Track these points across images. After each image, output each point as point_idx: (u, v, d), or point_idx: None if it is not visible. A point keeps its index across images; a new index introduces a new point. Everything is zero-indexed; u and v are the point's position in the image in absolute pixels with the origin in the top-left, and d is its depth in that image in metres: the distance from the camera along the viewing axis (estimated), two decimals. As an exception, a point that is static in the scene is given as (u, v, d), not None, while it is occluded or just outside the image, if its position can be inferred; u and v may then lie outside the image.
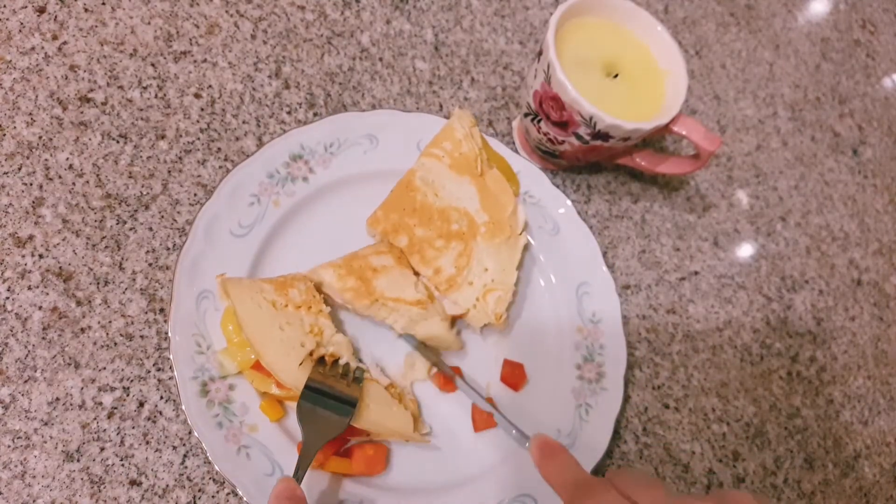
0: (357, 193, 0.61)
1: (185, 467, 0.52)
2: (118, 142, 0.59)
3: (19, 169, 0.56)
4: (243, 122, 0.64)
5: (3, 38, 0.60)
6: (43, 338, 0.52)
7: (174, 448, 0.52)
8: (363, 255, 0.56)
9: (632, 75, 0.61)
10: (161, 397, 0.53)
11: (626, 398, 0.63)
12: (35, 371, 0.51)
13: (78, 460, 0.50)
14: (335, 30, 0.70)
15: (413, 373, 0.57)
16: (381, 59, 0.70)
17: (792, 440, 0.67)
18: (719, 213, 0.75)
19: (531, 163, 0.67)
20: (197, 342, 0.53)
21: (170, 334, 0.52)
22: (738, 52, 0.85)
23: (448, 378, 0.57)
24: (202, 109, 0.63)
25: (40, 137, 0.58)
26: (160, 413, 0.53)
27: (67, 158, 0.58)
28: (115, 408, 0.52)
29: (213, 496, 0.52)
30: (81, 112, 0.60)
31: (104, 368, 0.53)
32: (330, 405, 0.50)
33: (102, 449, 0.51)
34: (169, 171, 0.60)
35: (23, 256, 0.54)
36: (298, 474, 0.46)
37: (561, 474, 0.42)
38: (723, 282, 0.71)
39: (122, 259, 0.56)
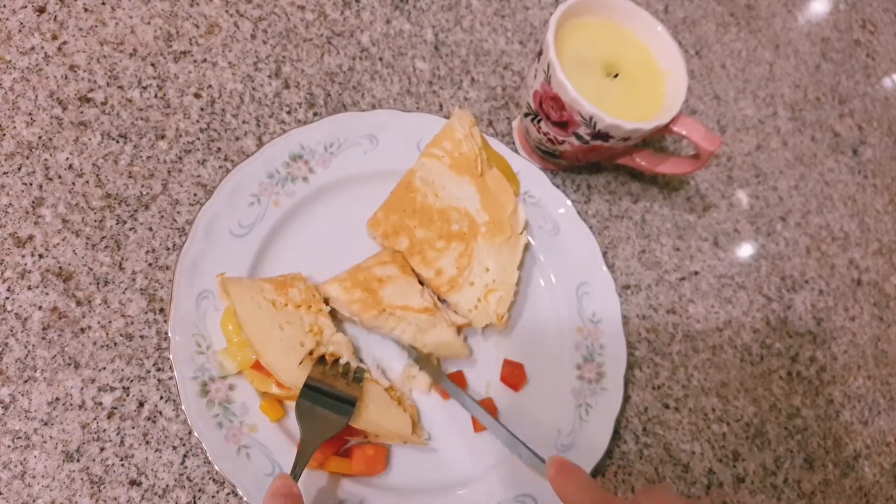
0: (357, 193, 0.61)
1: (185, 467, 0.52)
2: (118, 142, 0.59)
3: (19, 169, 0.56)
4: (243, 122, 0.64)
5: (3, 38, 0.60)
6: (43, 338, 0.52)
7: (174, 448, 0.52)
8: (367, 267, 0.56)
9: (632, 75, 0.61)
10: (161, 397, 0.53)
11: (626, 398, 0.63)
12: (35, 371, 0.51)
13: (78, 460, 0.50)
14: (335, 30, 0.70)
15: (412, 383, 0.57)
16: (381, 59, 0.70)
17: (792, 440, 0.67)
18: (719, 213, 0.75)
19: (531, 163, 0.67)
20: (197, 342, 0.53)
21: (170, 334, 0.52)
22: (738, 52, 0.85)
23: (449, 395, 0.57)
24: (202, 109, 0.63)
25: (40, 137, 0.58)
26: (160, 413, 0.53)
27: (67, 158, 0.58)
28: (115, 408, 0.52)
29: (213, 496, 0.52)
30: (81, 112, 0.59)
31: (104, 368, 0.53)
32: (329, 404, 0.50)
33: (102, 449, 0.51)
34: (169, 171, 0.60)
35: (23, 256, 0.54)
36: (296, 472, 0.46)
37: (579, 493, 0.42)
38: (723, 282, 0.71)
39: (122, 259, 0.56)
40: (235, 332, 0.52)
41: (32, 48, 0.60)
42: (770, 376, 0.69)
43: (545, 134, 0.62)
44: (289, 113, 0.65)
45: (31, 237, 0.55)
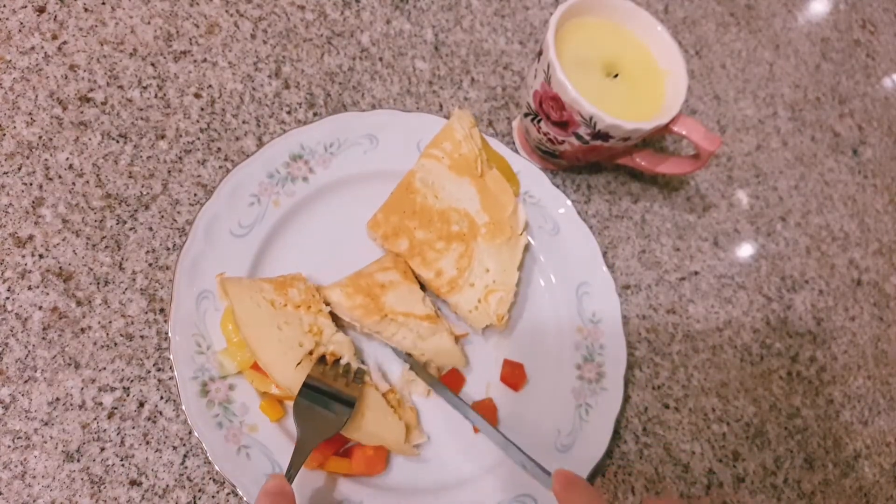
0: (357, 193, 0.61)
1: (185, 467, 0.52)
2: (118, 142, 0.59)
3: (19, 169, 0.56)
4: (243, 122, 0.64)
5: (3, 38, 0.60)
6: (43, 338, 0.52)
7: (174, 448, 0.52)
8: (369, 273, 0.56)
9: (632, 75, 0.61)
10: (161, 397, 0.53)
11: (626, 398, 0.63)
12: (35, 371, 0.51)
13: (78, 460, 0.50)
14: (335, 30, 0.70)
15: (411, 385, 0.57)
16: (381, 59, 0.70)
17: (792, 440, 0.67)
18: (719, 213, 0.75)
19: (531, 163, 0.67)
20: (197, 342, 0.53)
21: (170, 334, 0.52)
22: (738, 52, 0.85)
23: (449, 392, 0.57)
24: (202, 109, 0.63)
25: (40, 137, 0.58)
26: (160, 413, 0.53)
27: (67, 158, 0.58)
28: (116, 408, 0.52)
29: (213, 496, 0.52)
30: (81, 112, 0.59)
31: (104, 368, 0.53)
32: (327, 404, 0.50)
33: (102, 449, 0.51)
34: (169, 171, 0.60)
35: (23, 256, 0.54)
36: (291, 473, 0.46)
37: None
38: (723, 282, 0.71)
39: (122, 259, 0.56)
40: (235, 332, 0.52)
41: (32, 48, 0.60)
42: (770, 376, 0.69)
43: (545, 134, 0.62)
44: (289, 113, 0.65)
45: (31, 237, 0.55)
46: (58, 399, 0.51)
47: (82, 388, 0.52)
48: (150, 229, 0.58)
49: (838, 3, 0.95)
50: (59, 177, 0.57)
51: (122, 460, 0.51)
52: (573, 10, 0.59)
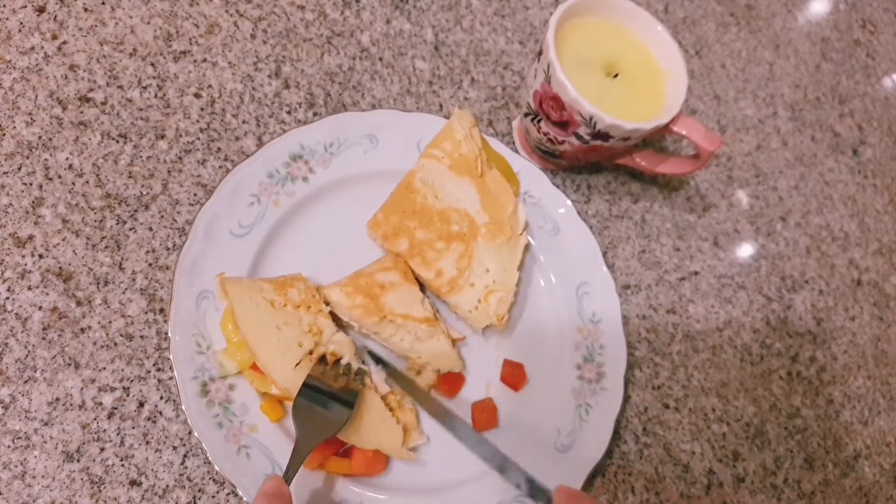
0: (357, 193, 0.61)
1: (185, 467, 0.52)
2: (118, 142, 0.59)
3: (19, 169, 0.56)
4: (243, 122, 0.64)
5: (3, 38, 0.60)
6: (43, 338, 0.52)
7: (174, 448, 0.52)
8: (369, 273, 0.56)
9: (632, 75, 0.61)
10: (161, 397, 0.53)
11: (626, 398, 0.63)
12: (35, 371, 0.51)
13: (78, 460, 0.50)
14: (335, 29, 0.70)
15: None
16: (381, 59, 0.70)
17: (792, 440, 0.67)
18: (719, 213, 0.75)
19: (531, 163, 0.67)
20: (197, 342, 0.53)
21: (170, 334, 0.52)
22: (738, 52, 0.85)
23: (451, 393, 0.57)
24: (202, 109, 0.63)
25: (40, 137, 0.58)
26: (160, 413, 0.53)
27: (67, 158, 0.58)
28: (115, 408, 0.52)
29: (213, 496, 0.52)
30: (81, 112, 0.59)
31: (104, 368, 0.53)
32: (327, 405, 0.50)
33: (102, 449, 0.51)
34: (169, 171, 0.60)
35: (23, 256, 0.54)
36: (289, 473, 0.46)
37: None
38: (723, 282, 0.71)
39: (122, 259, 0.56)
40: (235, 332, 0.52)
41: (32, 48, 0.60)
42: (770, 376, 0.69)
43: (545, 134, 0.62)
44: (289, 113, 0.65)
45: (31, 237, 0.55)
46: (58, 399, 0.51)
47: (82, 388, 0.52)
48: (150, 229, 0.58)
49: (838, 3, 0.95)
50: (59, 177, 0.57)
51: (122, 460, 0.51)
52: (573, 9, 0.59)
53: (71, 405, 0.51)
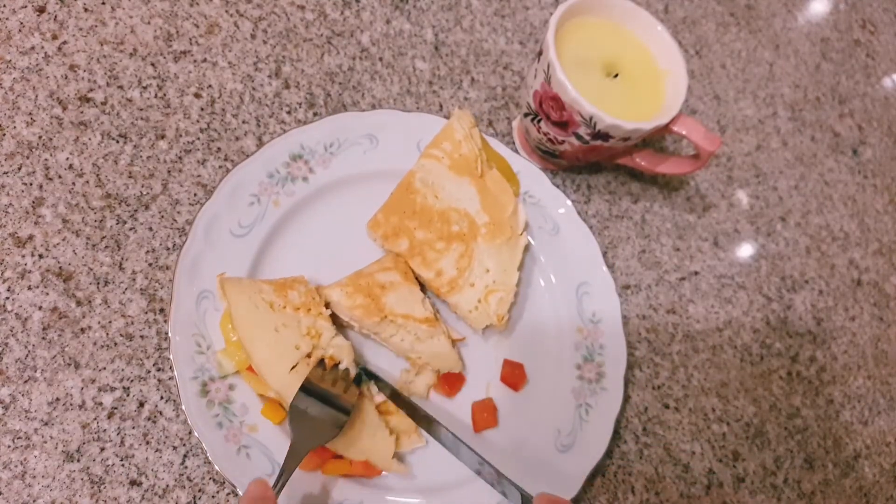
0: (357, 193, 0.61)
1: (185, 467, 0.52)
2: (118, 142, 0.59)
3: (19, 169, 0.56)
4: (243, 122, 0.64)
5: (3, 38, 0.60)
6: (43, 338, 0.52)
7: (174, 448, 0.52)
8: (369, 273, 0.56)
9: (632, 75, 0.61)
10: (161, 397, 0.53)
11: (626, 398, 0.63)
12: (35, 371, 0.51)
13: (78, 460, 0.50)
14: (335, 30, 0.70)
15: (409, 388, 0.57)
16: (381, 59, 0.70)
17: (792, 440, 0.67)
18: (719, 213, 0.75)
19: (531, 163, 0.67)
20: (197, 342, 0.53)
21: (170, 334, 0.52)
22: (738, 52, 0.85)
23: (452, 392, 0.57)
24: (202, 109, 0.63)
25: (40, 137, 0.58)
26: (160, 413, 0.53)
27: (67, 158, 0.58)
28: (115, 408, 0.52)
29: (213, 496, 0.52)
30: (81, 112, 0.59)
31: (104, 368, 0.53)
32: (324, 409, 0.49)
33: (102, 449, 0.51)
34: (169, 171, 0.60)
35: (23, 256, 0.54)
36: (283, 477, 0.45)
37: None
38: (723, 282, 0.71)
39: (122, 259, 0.56)
40: (234, 332, 0.52)
41: (32, 48, 0.60)
42: (770, 376, 0.69)
43: (545, 134, 0.62)
44: (289, 113, 0.65)
45: (31, 237, 0.55)
46: (58, 399, 0.51)
47: (82, 388, 0.52)
48: (150, 229, 0.58)
49: (838, 3, 0.95)
50: (59, 177, 0.57)
51: (122, 460, 0.51)
52: (573, 9, 0.59)
53: (71, 405, 0.51)
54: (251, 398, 0.53)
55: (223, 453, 0.50)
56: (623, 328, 0.62)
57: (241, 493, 0.49)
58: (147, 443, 0.52)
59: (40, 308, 0.53)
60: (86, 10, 0.63)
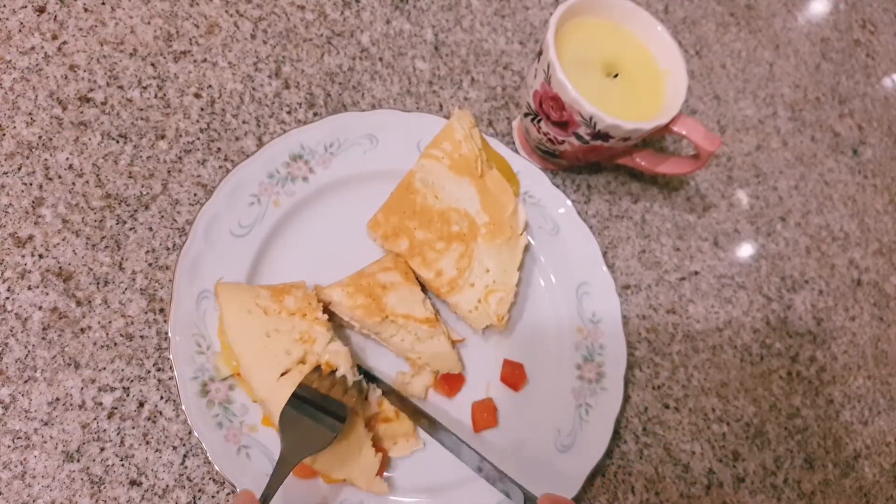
0: (357, 193, 0.61)
1: (185, 467, 0.52)
2: (118, 142, 0.59)
3: (19, 169, 0.56)
4: (243, 122, 0.64)
5: (3, 38, 0.60)
6: (43, 338, 0.52)
7: (174, 448, 0.52)
8: (370, 273, 0.56)
9: (632, 75, 0.61)
10: (161, 397, 0.53)
11: (626, 398, 0.63)
12: (35, 371, 0.51)
13: (78, 460, 0.50)
14: (335, 30, 0.70)
15: (407, 389, 0.57)
16: (381, 59, 0.70)
17: (792, 440, 0.67)
18: (719, 213, 0.75)
19: (531, 163, 0.67)
20: (197, 342, 0.53)
21: (170, 334, 0.52)
22: (738, 52, 0.85)
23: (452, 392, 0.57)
24: (202, 109, 0.63)
25: (40, 137, 0.58)
26: (160, 413, 0.53)
27: (67, 158, 0.58)
28: (115, 408, 0.52)
29: (213, 496, 0.52)
30: (81, 112, 0.59)
31: (104, 368, 0.53)
32: (317, 417, 0.47)
33: (102, 449, 0.51)
34: (169, 171, 0.60)
35: (23, 256, 0.54)
36: (272, 484, 0.44)
37: None
38: (723, 282, 0.71)
39: (122, 259, 0.56)
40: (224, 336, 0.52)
41: (32, 48, 0.60)
42: (770, 376, 0.69)
43: (545, 134, 0.62)
44: (289, 113, 0.65)
45: (31, 237, 0.55)
46: (58, 399, 0.51)
47: (82, 388, 0.52)
48: (150, 229, 0.58)
49: (838, 3, 0.95)
50: (59, 177, 0.57)
51: (122, 460, 0.51)
52: (573, 9, 0.59)
53: (71, 405, 0.51)
54: (251, 398, 0.53)
55: (223, 453, 0.50)
56: (623, 328, 0.62)
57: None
58: (147, 443, 0.52)
59: (40, 308, 0.53)
60: (86, 10, 0.63)
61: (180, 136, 0.61)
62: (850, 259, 0.78)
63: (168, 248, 0.57)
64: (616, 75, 0.61)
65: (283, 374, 0.49)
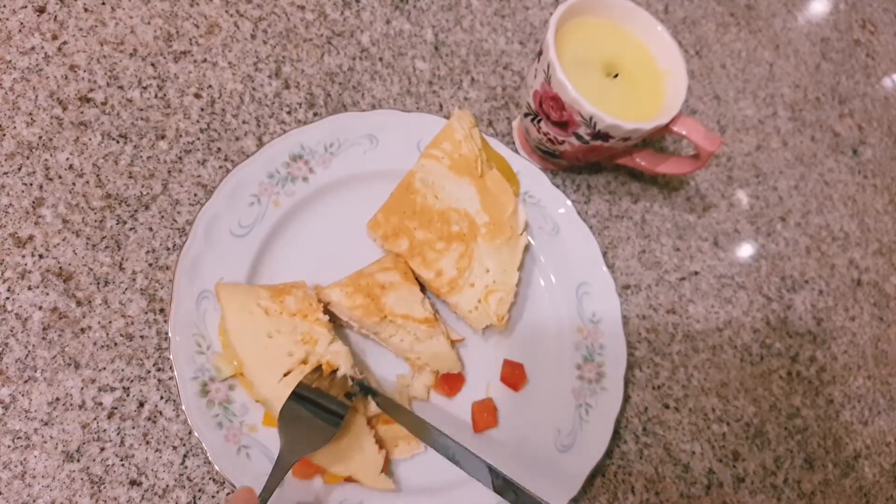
0: (357, 193, 0.61)
1: (185, 467, 0.52)
2: (118, 142, 0.59)
3: (19, 169, 0.56)
4: (243, 122, 0.64)
5: (3, 38, 0.60)
6: (43, 338, 0.52)
7: (174, 448, 0.52)
8: (369, 273, 0.56)
9: (632, 75, 0.61)
10: (161, 397, 0.53)
11: (626, 398, 0.63)
12: (35, 371, 0.51)
13: (78, 460, 0.50)
14: (335, 30, 0.70)
15: (408, 390, 0.56)
16: (381, 59, 0.70)
17: (792, 440, 0.67)
18: (719, 213, 0.75)
19: (531, 163, 0.67)
20: (197, 342, 0.53)
21: (170, 334, 0.52)
22: (738, 52, 0.85)
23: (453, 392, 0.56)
24: (202, 109, 0.63)
25: (40, 137, 0.58)
26: (160, 413, 0.53)
27: (67, 158, 0.58)
28: (115, 408, 0.52)
29: (213, 496, 0.52)
30: (81, 112, 0.59)
31: (104, 368, 0.53)
32: (317, 415, 0.48)
33: (102, 449, 0.51)
34: (169, 171, 0.60)
35: (23, 256, 0.54)
36: (270, 483, 0.45)
37: None
38: (723, 282, 0.71)
39: (122, 259, 0.56)
40: (226, 337, 0.52)
41: (32, 48, 0.60)
42: (770, 376, 0.69)
43: (545, 134, 0.62)
44: (289, 113, 0.65)
45: (31, 237, 0.55)
46: (58, 399, 0.51)
47: (82, 388, 0.52)
48: (150, 229, 0.58)
49: (838, 3, 0.95)
50: (59, 177, 0.57)
51: (122, 460, 0.51)
52: (573, 9, 0.59)
53: (71, 405, 0.51)
54: (251, 398, 0.53)
55: (223, 453, 0.50)
56: (623, 328, 0.62)
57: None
58: (147, 443, 0.52)
59: (40, 308, 0.53)
60: (86, 10, 0.63)
61: (180, 136, 0.61)
62: (850, 259, 0.78)
63: (168, 249, 0.57)
64: (616, 75, 0.61)
65: (285, 375, 0.50)
